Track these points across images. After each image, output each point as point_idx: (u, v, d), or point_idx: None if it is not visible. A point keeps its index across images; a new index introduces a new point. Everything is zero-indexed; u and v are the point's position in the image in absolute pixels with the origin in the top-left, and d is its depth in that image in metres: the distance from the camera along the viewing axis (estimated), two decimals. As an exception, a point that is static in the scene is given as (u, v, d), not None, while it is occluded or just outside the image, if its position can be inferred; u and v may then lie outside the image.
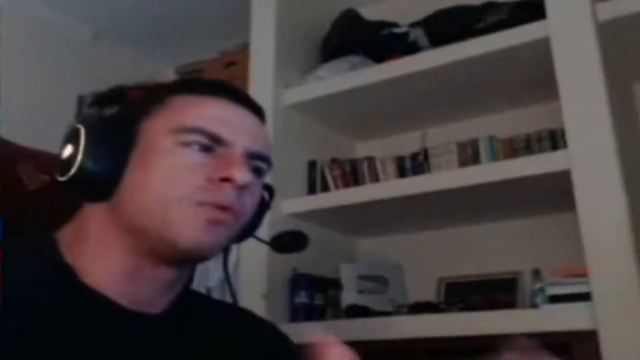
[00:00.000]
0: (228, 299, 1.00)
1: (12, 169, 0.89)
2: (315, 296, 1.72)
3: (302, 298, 1.68)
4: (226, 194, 0.70)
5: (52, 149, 0.79)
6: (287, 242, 0.95)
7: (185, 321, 0.77)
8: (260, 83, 1.85)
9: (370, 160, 1.89)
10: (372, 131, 2.07)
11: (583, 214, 1.31)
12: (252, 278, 1.64)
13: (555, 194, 1.48)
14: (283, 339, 0.88)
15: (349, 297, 1.80)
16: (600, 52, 1.39)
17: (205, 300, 0.94)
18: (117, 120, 0.74)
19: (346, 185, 1.85)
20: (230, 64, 2.11)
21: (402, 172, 1.84)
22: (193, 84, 0.79)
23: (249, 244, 1.72)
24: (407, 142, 1.94)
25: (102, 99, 0.75)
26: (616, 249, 1.26)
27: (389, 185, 1.74)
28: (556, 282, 1.37)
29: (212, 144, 0.72)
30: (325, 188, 1.85)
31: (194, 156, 0.71)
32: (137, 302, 0.72)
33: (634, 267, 1.23)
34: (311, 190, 1.86)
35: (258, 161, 0.76)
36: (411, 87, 1.75)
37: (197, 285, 1.72)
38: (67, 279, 0.69)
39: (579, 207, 1.32)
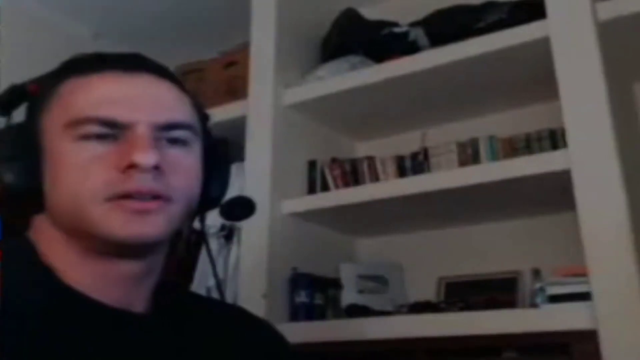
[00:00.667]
0: (229, 297, 1.00)
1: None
2: (315, 296, 1.71)
3: (302, 297, 1.68)
4: (139, 180, 0.64)
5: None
6: (235, 209, 0.88)
7: (182, 320, 0.77)
8: (260, 83, 1.84)
9: (370, 160, 1.89)
10: (372, 131, 2.07)
11: (583, 214, 1.31)
12: (252, 278, 1.64)
13: (555, 194, 1.48)
14: (280, 337, 0.88)
15: (349, 296, 1.80)
16: (600, 52, 1.38)
17: (201, 300, 0.93)
18: (18, 126, 0.69)
19: (346, 185, 1.84)
20: (230, 64, 2.11)
21: (402, 172, 1.83)
22: (78, 64, 0.72)
23: (250, 243, 1.72)
24: (407, 142, 1.94)
25: (2, 104, 0.71)
26: (616, 249, 1.26)
27: (389, 185, 1.74)
28: (556, 282, 1.37)
29: (110, 130, 0.65)
30: (325, 188, 1.85)
31: (95, 148, 0.65)
32: (117, 301, 0.70)
33: (634, 267, 1.23)
34: (311, 190, 1.85)
35: (174, 131, 0.69)
36: (411, 87, 1.74)
37: (197, 285, 1.72)
38: (53, 281, 0.68)
39: (579, 207, 1.32)
